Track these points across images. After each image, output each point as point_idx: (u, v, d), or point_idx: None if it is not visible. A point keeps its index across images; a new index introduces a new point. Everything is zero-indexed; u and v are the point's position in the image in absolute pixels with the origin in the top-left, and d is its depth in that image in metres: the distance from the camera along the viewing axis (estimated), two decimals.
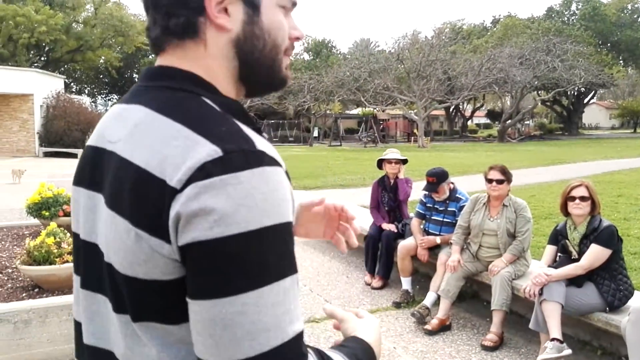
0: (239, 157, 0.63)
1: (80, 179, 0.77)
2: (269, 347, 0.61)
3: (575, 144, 29.57)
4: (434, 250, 4.39)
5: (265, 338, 0.61)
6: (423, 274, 4.94)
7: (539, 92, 39.66)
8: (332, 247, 6.26)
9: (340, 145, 32.95)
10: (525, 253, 3.78)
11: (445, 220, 4.41)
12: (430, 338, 3.71)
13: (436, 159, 18.26)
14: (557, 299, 3.16)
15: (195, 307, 0.62)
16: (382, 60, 32.65)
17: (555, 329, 3.10)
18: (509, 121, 36.43)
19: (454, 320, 3.97)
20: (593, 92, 44.29)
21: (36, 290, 3.58)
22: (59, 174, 12.87)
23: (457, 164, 15.85)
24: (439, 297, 3.93)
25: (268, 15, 0.74)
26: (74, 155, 18.82)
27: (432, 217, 4.50)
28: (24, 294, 3.49)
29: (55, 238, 3.66)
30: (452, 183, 4.52)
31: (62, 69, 38.64)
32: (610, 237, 3.23)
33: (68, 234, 3.72)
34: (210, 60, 0.73)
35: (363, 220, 5.57)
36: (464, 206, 4.16)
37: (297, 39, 0.80)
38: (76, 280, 0.79)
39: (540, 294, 3.25)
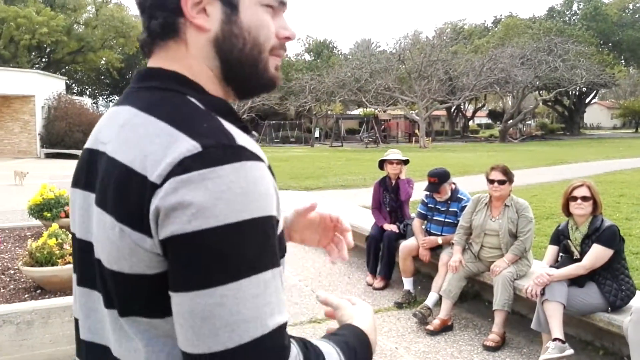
0: (218, 152, 0.64)
1: (77, 181, 0.79)
2: (248, 338, 0.61)
3: (577, 144, 29.53)
4: (435, 250, 4.39)
5: (244, 329, 0.61)
6: (425, 274, 4.94)
7: (541, 92, 39.61)
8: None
9: (342, 145, 32.95)
10: (527, 253, 3.78)
11: (446, 220, 4.41)
12: (432, 338, 3.71)
13: (437, 159, 18.25)
14: (559, 299, 3.16)
15: (177, 300, 0.63)
16: (384, 61, 32.64)
17: (557, 329, 3.10)
18: (511, 121, 36.40)
19: (455, 320, 3.97)
20: (595, 92, 44.23)
21: (38, 291, 3.58)
22: (60, 175, 12.89)
23: (458, 164, 15.84)
24: (440, 298, 3.93)
25: (247, 14, 0.74)
26: (76, 157, 18.74)
27: (434, 218, 4.50)
28: (26, 295, 3.50)
29: (57, 239, 3.67)
30: (454, 183, 4.52)
31: (64, 70, 38.71)
32: (612, 237, 3.22)
33: (70, 235, 3.72)
34: (192, 60, 0.74)
35: (364, 221, 5.57)
36: (465, 206, 4.15)
37: (288, 38, 0.80)
38: (74, 278, 0.81)
39: (542, 294, 3.24)
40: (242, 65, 0.76)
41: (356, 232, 5.80)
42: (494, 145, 30.73)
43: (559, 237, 3.51)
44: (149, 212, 0.63)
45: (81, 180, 0.78)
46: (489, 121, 60.62)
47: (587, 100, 45.54)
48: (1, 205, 9.15)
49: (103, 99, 49.04)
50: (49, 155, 21.60)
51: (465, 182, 7.08)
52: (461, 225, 4.03)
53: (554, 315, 3.14)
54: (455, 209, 4.37)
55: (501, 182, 3.77)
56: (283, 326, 0.65)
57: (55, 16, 32.71)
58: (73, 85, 42.17)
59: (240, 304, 0.61)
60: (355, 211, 6.64)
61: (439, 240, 4.35)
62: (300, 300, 4.51)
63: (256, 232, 0.64)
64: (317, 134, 36.52)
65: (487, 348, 3.50)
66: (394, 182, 5.02)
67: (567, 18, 43.70)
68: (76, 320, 0.81)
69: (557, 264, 3.44)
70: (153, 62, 0.77)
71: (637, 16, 42.88)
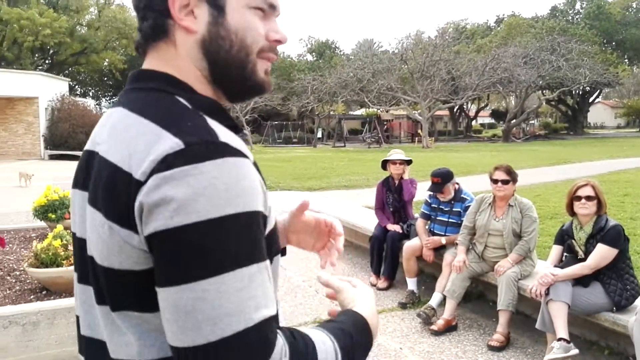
0: (200, 149, 0.65)
1: (76, 181, 0.81)
2: (231, 331, 0.62)
3: (581, 144, 29.44)
4: (439, 250, 4.39)
5: (226, 323, 0.62)
6: (428, 274, 4.93)
7: (544, 91, 39.50)
8: None
9: (344, 146, 32.95)
10: (531, 253, 3.77)
11: (450, 220, 4.41)
12: (436, 338, 3.71)
13: (440, 159, 18.23)
14: (564, 298, 3.15)
15: (162, 295, 0.64)
16: (386, 61, 32.62)
17: (562, 329, 3.10)
18: (514, 121, 36.32)
19: (460, 320, 3.97)
20: (598, 91, 44.06)
21: (44, 292, 3.60)
22: (64, 177, 12.94)
23: (461, 164, 15.82)
24: (444, 298, 3.93)
25: (234, 16, 0.75)
26: (79, 158, 18.89)
27: (437, 218, 4.49)
28: (31, 296, 3.51)
29: (62, 240, 3.68)
30: (457, 183, 4.51)
31: (67, 71, 38.85)
32: (616, 237, 3.22)
33: None
34: (181, 61, 0.76)
35: (368, 221, 5.58)
36: (469, 206, 4.15)
37: (278, 41, 0.80)
38: (75, 276, 0.83)
39: (547, 294, 3.24)
40: (229, 67, 0.77)
41: (359, 233, 5.81)
42: (497, 145, 30.67)
43: (563, 237, 3.50)
44: (134, 209, 0.65)
45: (79, 181, 0.80)
46: (492, 121, 60.47)
47: (590, 100, 45.39)
48: (6, 207, 9.19)
49: (106, 100, 49.17)
50: (52, 157, 21.69)
51: (469, 182, 7.07)
52: (465, 225, 4.03)
53: (558, 315, 3.13)
54: (459, 209, 4.37)
55: (505, 182, 3.76)
56: (269, 320, 0.65)
57: (58, 18, 32.83)
58: (76, 86, 42.32)
59: (222, 298, 0.62)
60: (359, 211, 6.64)
61: (443, 240, 4.35)
62: (304, 300, 4.52)
63: (239, 227, 0.64)
64: (319, 135, 36.55)
65: (492, 348, 3.50)
66: (397, 182, 5.02)
67: (570, 17, 43.57)
68: (77, 318, 0.83)
69: (561, 263, 3.44)
70: (146, 64, 0.79)
71: None
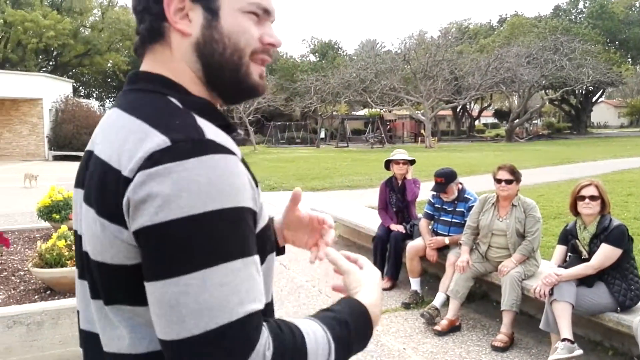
0: (186, 146, 0.67)
1: (77, 181, 0.83)
2: (214, 325, 0.63)
3: (584, 143, 29.34)
4: (442, 250, 4.38)
5: (209, 317, 0.63)
6: (432, 274, 4.93)
7: (547, 91, 39.37)
8: (341, 248, 6.25)
9: (347, 146, 32.94)
10: (535, 253, 3.76)
11: (453, 220, 4.40)
12: (440, 339, 3.70)
13: (444, 159, 18.20)
14: (568, 299, 3.14)
15: (149, 289, 0.66)
16: (389, 61, 32.58)
17: (566, 329, 3.09)
18: (517, 120, 36.22)
19: (463, 321, 3.96)
20: (601, 90, 43.92)
21: (48, 292, 3.61)
22: (68, 178, 12.99)
23: (464, 164, 15.79)
24: (448, 298, 3.92)
25: (228, 20, 0.77)
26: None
27: (441, 218, 4.49)
28: (36, 296, 3.53)
29: (66, 241, 3.70)
30: (461, 183, 4.51)
31: (71, 73, 38.99)
32: (620, 237, 3.21)
33: None
34: (176, 63, 0.78)
35: (371, 221, 5.57)
36: (472, 206, 4.14)
37: (272, 45, 0.82)
38: (76, 272, 0.85)
39: (551, 294, 3.23)
40: (223, 70, 0.78)
41: (362, 233, 5.80)
42: (501, 145, 30.60)
43: (567, 237, 3.49)
44: (122, 205, 0.67)
45: (79, 180, 0.82)
46: (495, 121, 60.36)
47: (594, 99, 45.24)
48: (10, 207, 9.23)
49: (110, 101, 49.31)
50: (56, 158, 21.79)
51: (472, 182, 7.06)
52: (468, 225, 4.02)
53: (562, 316, 3.12)
54: (462, 209, 4.36)
55: (508, 182, 3.76)
56: (254, 314, 0.66)
57: (61, 20, 32.97)
58: (80, 88, 42.46)
59: (205, 292, 0.63)
60: (362, 211, 6.64)
61: (446, 240, 4.34)
62: (307, 300, 4.52)
63: (223, 223, 0.65)
64: (322, 135, 36.52)
65: (496, 348, 3.49)
66: (400, 182, 5.02)
67: (573, 16, 43.42)
68: (78, 312, 0.85)
69: (565, 263, 3.43)
70: (143, 65, 0.81)
71: None
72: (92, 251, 0.74)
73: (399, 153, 5.08)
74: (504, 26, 44.11)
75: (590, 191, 3.32)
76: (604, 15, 39.93)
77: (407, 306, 4.34)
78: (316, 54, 47.28)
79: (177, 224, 0.64)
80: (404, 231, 4.87)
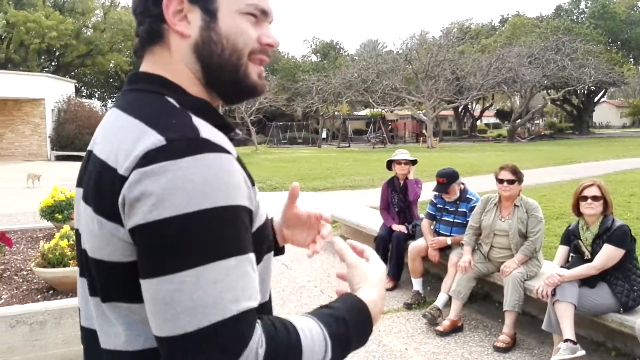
0: (181, 145, 0.67)
1: (78, 180, 0.85)
2: (207, 322, 0.64)
3: (586, 143, 29.29)
4: (444, 251, 4.38)
5: (203, 314, 0.64)
6: (434, 274, 4.92)
7: (549, 91, 39.30)
8: None
9: (349, 146, 32.93)
10: (537, 253, 3.76)
11: (455, 221, 4.40)
12: (442, 339, 3.70)
13: (445, 159, 18.18)
14: (570, 299, 3.14)
15: (144, 286, 0.67)
16: (390, 61, 32.56)
17: (568, 330, 3.08)
18: (519, 121, 36.17)
19: (465, 321, 3.96)
20: (603, 90, 43.82)
21: (50, 292, 3.62)
22: (71, 178, 13.01)
23: (466, 164, 15.78)
24: (450, 298, 3.92)
25: (226, 21, 0.78)
26: None
27: (443, 218, 4.49)
28: (39, 296, 3.54)
29: (68, 241, 3.70)
30: (463, 183, 4.50)
31: (73, 73, 39.04)
32: (623, 237, 3.20)
33: None
34: (176, 64, 0.79)
35: (373, 222, 5.57)
36: (474, 207, 4.14)
37: (270, 45, 0.83)
38: (78, 270, 0.86)
39: (553, 294, 3.23)
40: (222, 70, 0.79)
41: (364, 233, 5.80)
42: (502, 145, 30.56)
43: (570, 237, 3.48)
44: (118, 203, 0.68)
45: (80, 180, 0.83)
46: (497, 121, 60.26)
47: (595, 99, 45.13)
48: (13, 207, 9.25)
49: (112, 101, 49.40)
50: (59, 158, 21.83)
51: (474, 182, 7.05)
52: (470, 225, 4.02)
53: (565, 316, 3.12)
54: (464, 209, 4.36)
55: (510, 182, 3.75)
56: (248, 312, 0.66)
57: (64, 20, 33.02)
58: (82, 88, 42.52)
59: (199, 290, 0.64)
60: (363, 212, 6.64)
61: (448, 240, 4.34)
62: (309, 301, 4.52)
63: (217, 220, 0.66)
64: (324, 135, 36.51)
65: (498, 349, 3.49)
66: (402, 182, 5.02)
67: (574, 16, 43.34)
68: (79, 310, 0.86)
69: (567, 264, 3.42)
70: (143, 66, 0.82)
71: None
72: (90, 249, 0.75)
73: (401, 153, 5.08)
74: (506, 26, 44.04)
75: (593, 191, 3.32)
76: (605, 15, 39.85)
77: (409, 306, 4.34)
78: (318, 54, 47.28)
79: (172, 222, 0.64)
80: (405, 231, 4.87)
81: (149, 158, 0.66)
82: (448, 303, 3.94)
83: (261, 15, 0.81)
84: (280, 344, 0.68)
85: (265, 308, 0.84)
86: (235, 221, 0.68)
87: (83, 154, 0.83)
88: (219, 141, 0.71)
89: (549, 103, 41.43)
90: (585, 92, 41.84)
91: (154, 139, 0.68)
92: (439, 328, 3.77)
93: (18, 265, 4.24)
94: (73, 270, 3.56)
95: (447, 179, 4.35)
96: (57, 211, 5.08)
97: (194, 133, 0.69)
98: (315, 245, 1.04)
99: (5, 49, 33.51)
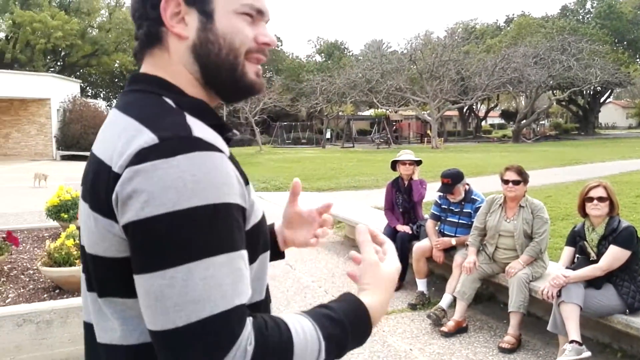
0: (173, 144, 0.69)
1: (82, 180, 0.86)
2: (196, 318, 0.65)
3: (592, 144, 29.14)
4: (449, 251, 4.37)
5: (192, 309, 0.65)
6: (438, 275, 4.92)
7: (554, 91, 39.15)
8: (347, 249, 6.25)
9: (353, 146, 32.91)
10: (543, 254, 3.74)
11: (460, 221, 4.39)
12: (446, 340, 3.70)
13: (450, 160, 18.14)
14: (576, 300, 3.12)
15: (137, 281, 0.69)
16: (395, 61, 32.51)
17: (574, 331, 3.07)
18: (524, 121, 36.03)
19: (470, 322, 3.95)
20: (609, 91, 43.57)
21: (57, 291, 3.64)
22: (76, 177, 13.07)
23: (471, 164, 15.73)
24: (455, 299, 3.91)
25: (222, 21, 0.80)
26: None
27: (448, 219, 4.48)
28: (45, 295, 3.56)
29: (74, 240, 3.73)
30: (468, 184, 4.49)
31: (78, 73, 39.24)
32: (629, 238, 3.19)
33: None
34: (174, 65, 0.81)
35: (377, 222, 5.57)
36: (479, 207, 4.13)
37: (266, 44, 0.84)
38: (82, 268, 0.88)
39: (559, 295, 3.22)
40: (219, 70, 0.81)
41: None
42: (507, 146, 30.46)
43: (575, 238, 3.47)
44: (112, 200, 0.70)
45: (83, 179, 0.85)
46: (502, 121, 60.04)
47: (601, 100, 44.91)
48: (19, 207, 9.31)
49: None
50: (64, 157, 21.94)
51: (479, 183, 7.03)
52: (475, 226, 4.01)
53: (570, 317, 3.11)
54: (469, 210, 4.35)
55: (516, 183, 3.74)
56: (237, 308, 0.67)
57: (69, 20, 33.20)
58: (87, 88, 42.72)
59: (189, 286, 0.65)
60: (368, 212, 6.63)
61: (453, 241, 4.33)
62: (313, 301, 4.52)
63: (207, 218, 0.67)
64: (328, 135, 36.51)
65: (503, 350, 3.48)
66: (406, 183, 5.01)
67: (580, 16, 43.14)
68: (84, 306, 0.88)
69: (573, 265, 3.41)
70: (143, 68, 0.83)
71: None
72: (87, 244, 0.77)
73: (406, 153, 5.07)
74: (511, 26, 43.89)
75: (599, 192, 3.30)
76: (612, 15, 39.63)
77: (413, 307, 4.33)
78: (322, 54, 47.28)
79: (162, 219, 0.66)
80: (410, 232, 4.86)
81: (142, 156, 0.68)
82: (453, 304, 3.94)
83: (257, 15, 0.83)
84: (270, 341, 0.68)
85: (262, 306, 0.84)
86: (226, 218, 0.69)
87: (88, 153, 0.85)
88: (211, 140, 0.72)
89: (555, 103, 41.26)
90: (591, 92, 41.62)
91: (147, 137, 0.69)
92: (444, 329, 3.77)
93: (25, 264, 4.26)
94: (79, 269, 3.57)
95: (451, 179, 4.34)
96: (63, 211, 5.11)
97: (186, 132, 0.71)
98: (319, 234, 1.05)
99: (12, 49, 33.72)
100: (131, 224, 0.67)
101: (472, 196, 4.40)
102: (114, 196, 0.69)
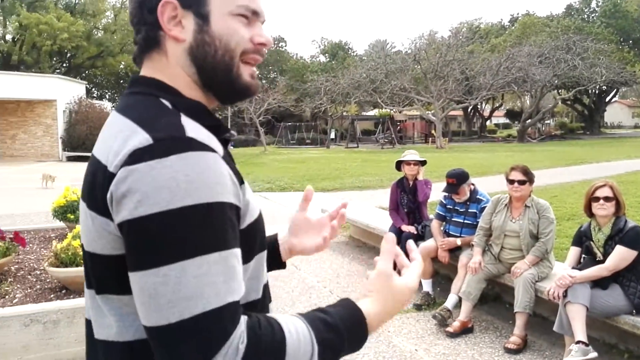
0: (166, 144, 0.70)
1: (83, 180, 0.88)
2: (188, 314, 0.66)
3: (598, 144, 28.99)
4: (454, 252, 4.36)
5: (184, 306, 0.66)
6: (444, 275, 4.91)
7: (559, 91, 38.97)
8: (352, 249, 6.25)
9: (357, 147, 32.89)
10: (549, 254, 3.73)
11: (465, 221, 4.38)
12: (452, 340, 3.69)
13: (455, 160, 18.10)
14: (582, 301, 3.11)
15: (132, 278, 0.70)
16: (399, 61, 32.47)
17: (580, 332, 3.06)
18: (529, 121, 35.88)
19: (476, 322, 3.94)
20: (615, 90, 43.32)
21: (63, 291, 3.66)
22: (81, 178, 13.10)
23: (476, 164, 15.69)
24: (460, 300, 3.90)
25: (218, 23, 0.81)
26: None
27: (453, 219, 4.47)
28: (52, 295, 3.58)
29: (80, 240, 3.74)
30: (473, 184, 4.48)
31: (84, 74, 39.42)
32: (635, 238, 3.17)
33: None
34: (172, 68, 0.83)
35: (382, 222, 5.57)
36: (484, 207, 4.12)
37: (262, 44, 0.85)
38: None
39: (565, 296, 3.20)
40: (216, 71, 0.82)
41: (373, 234, 5.80)
42: (512, 146, 30.34)
43: (582, 239, 3.46)
44: (107, 199, 0.72)
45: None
46: (507, 121, 59.81)
47: (607, 99, 44.66)
48: (26, 207, 9.37)
49: None
50: (70, 158, 22.06)
51: (484, 183, 7.01)
52: (481, 226, 4.00)
53: (576, 318, 3.10)
54: (475, 210, 4.34)
55: (521, 183, 3.73)
56: (230, 306, 0.68)
57: (75, 22, 33.36)
58: (93, 89, 42.92)
59: (182, 283, 0.67)
60: (373, 212, 6.63)
61: (458, 241, 4.32)
62: (318, 301, 4.53)
63: (200, 217, 0.68)
64: (332, 135, 36.54)
65: (509, 351, 3.47)
66: (411, 183, 5.01)
67: (585, 15, 42.93)
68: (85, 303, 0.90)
69: (579, 265, 3.40)
70: (142, 72, 0.85)
71: None
72: (86, 242, 0.79)
73: (410, 154, 5.07)
74: (516, 25, 43.72)
75: (605, 192, 3.29)
76: (617, 14, 39.40)
77: (419, 307, 4.33)
78: (326, 55, 47.30)
79: (156, 218, 0.67)
80: (415, 232, 4.86)
81: (136, 156, 0.69)
82: (458, 304, 3.93)
83: (252, 16, 0.84)
84: (263, 340, 0.69)
85: (258, 305, 0.85)
86: (219, 217, 0.70)
87: None
88: (204, 140, 0.73)
89: (560, 103, 41.05)
90: (597, 91, 41.41)
91: (141, 138, 0.71)
92: (449, 329, 3.76)
93: (32, 264, 4.29)
94: None
95: (457, 179, 4.33)
96: (69, 211, 5.13)
97: (179, 132, 0.72)
98: (325, 241, 1.06)
99: (18, 51, 33.93)
100: (125, 223, 0.69)
101: (478, 196, 4.39)
102: (109, 195, 0.71)
